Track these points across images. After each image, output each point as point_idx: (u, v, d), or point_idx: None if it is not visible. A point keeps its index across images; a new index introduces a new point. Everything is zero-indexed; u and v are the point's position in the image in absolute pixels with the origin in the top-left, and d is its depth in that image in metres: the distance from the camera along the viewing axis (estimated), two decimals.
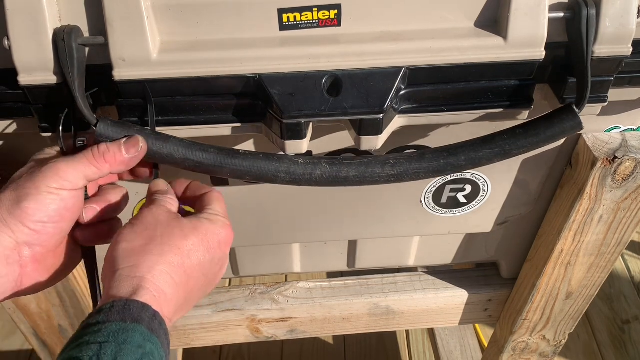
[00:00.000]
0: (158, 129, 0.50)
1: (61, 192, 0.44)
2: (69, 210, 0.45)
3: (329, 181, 0.50)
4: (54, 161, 0.45)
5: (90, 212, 0.48)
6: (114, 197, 0.50)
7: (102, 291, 0.49)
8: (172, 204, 0.48)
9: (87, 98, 0.47)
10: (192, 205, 0.50)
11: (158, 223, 0.45)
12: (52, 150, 0.49)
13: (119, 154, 0.46)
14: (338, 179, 0.50)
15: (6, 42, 0.44)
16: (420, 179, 0.51)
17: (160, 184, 0.50)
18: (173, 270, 0.44)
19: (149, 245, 0.44)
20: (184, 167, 0.48)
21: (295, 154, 0.50)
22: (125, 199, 0.51)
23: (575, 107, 0.50)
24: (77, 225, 0.48)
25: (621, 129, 0.63)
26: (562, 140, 0.62)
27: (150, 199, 0.48)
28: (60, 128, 0.47)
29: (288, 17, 0.46)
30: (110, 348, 0.37)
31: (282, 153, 0.50)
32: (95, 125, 0.46)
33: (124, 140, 0.46)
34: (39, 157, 0.48)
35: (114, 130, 0.46)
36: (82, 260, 0.51)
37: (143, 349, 0.38)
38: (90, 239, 0.49)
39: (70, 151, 0.48)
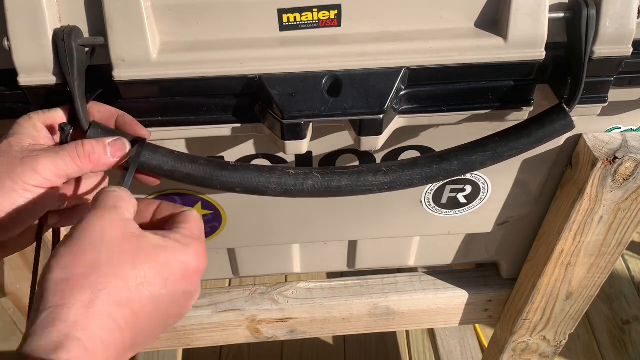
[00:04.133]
0: (158, 129, 0.50)
1: (37, 189, 0.41)
2: (43, 207, 0.42)
3: (321, 192, 0.49)
4: (36, 154, 0.41)
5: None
6: (87, 185, 0.46)
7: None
8: (128, 205, 0.40)
9: (86, 99, 0.47)
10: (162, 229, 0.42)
11: (106, 242, 0.36)
12: (32, 128, 0.44)
13: (104, 156, 0.43)
14: (330, 189, 0.49)
15: (6, 43, 0.44)
16: (413, 186, 0.50)
17: (122, 193, 0.41)
18: (116, 310, 0.35)
19: (89, 276, 0.35)
20: (173, 178, 0.48)
21: (295, 156, 0.50)
22: (98, 185, 0.47)
23: (565, 107, 0.49)
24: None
25: (621, 129, 0.63)
26: (562, 141, 0.62)
27: (101, 195, 0.40)
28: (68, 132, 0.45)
29: (288, 18, 0.46)
30: None
31: (273, 165, 0.49)
32: (87, 131, 0.45)
33: (109, 140, 0.44)
34: (21, 132, 0.44)
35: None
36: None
37: None
38: (58, 222, 0.47)
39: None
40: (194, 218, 0.42)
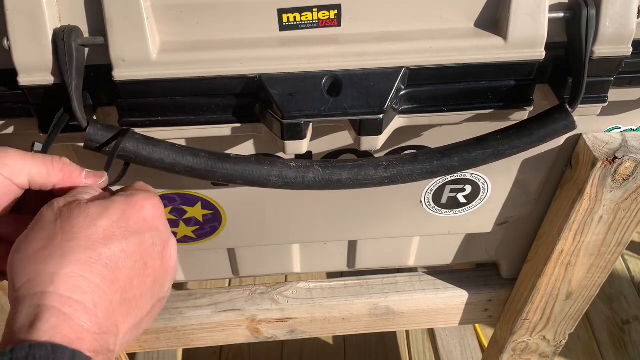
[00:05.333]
0: (158, 129, 0.50)
1: None
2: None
3: (322, 184, 0.49)
4: (6, 148, 0.41)
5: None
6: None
7: None
8: (90, 192, 0.40)
9: (85, 99, 0.47)
10: None
11: (57, 217, 0.36)
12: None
13: (77, 176, 0.42)
14: (331, 182, 0.50)
15: (6, 43, 0.44)
16: (414, 180, 0.51)
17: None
18: (85, 268, 0.34)
19: (47, 247, 0.34)
20: (174, 172, 0.48)
21: (295, 156, 0.50)
22: None
23: (568, 107, 0.50)
24: None
25: (621, 129, 0.63)
26: (562, 141, 0.62)
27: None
28: (50, 131, 0.45)
29: (288, 18, 0.46)
30: None
31: (274, 156, 0.50)
32: (85, 129, 0.45)
33: (87, 171, 0.43)
34: None
35: (103, 135, 0.46)
36: None
37: None
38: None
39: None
40: (134, 184, 0.42)
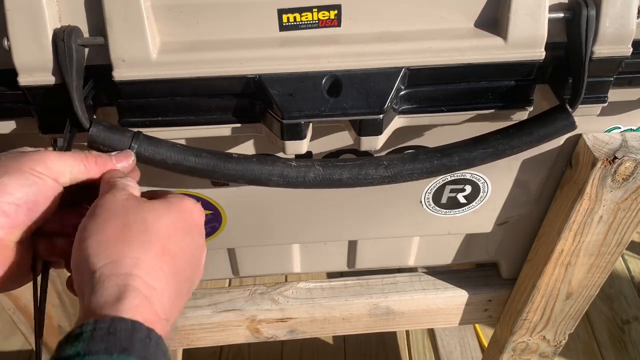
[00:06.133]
0: (158, 129, 0.50)
1: (44, 177, 0.41)
2: (45, 200, 0.41)
3: (323, 184, 0.50)
4: (43, 149, 0.43)
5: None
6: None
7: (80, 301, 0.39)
8: (134, 187, 0.43)
9: (85, 99, 0.47)
10: None
11: (126, 208, 0.39)
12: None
13: (110, 163, 0.45)
14: (332, 181, 0.50)
15: (6, 43, 0.44)
16: (414, 179, 0.51)
17: (118, 172, 0.45)
18: (159, 258, 0.38)
19: (126, 234, 0.38)
20: (176, 171, 0.48)
21: (295, 156, 0.50)
22: None
23: (568, 107, 0.50)
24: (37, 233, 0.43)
25: (621, 129, 0.63)
26: (562, 141, 0.62)
27: (108, 184, 0.43)
28: (67, 132, 0.46)
29: (288, 18, 0.46)
30: None
31: (275, 156, 0.50)
32: (88, 129, 0.45)
33: (114, 153, 0.46)
34: (21, 150, 0.45)
35: (106, 135, 0.46)
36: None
37: None
38: (48, 250, 0.44)
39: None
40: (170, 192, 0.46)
